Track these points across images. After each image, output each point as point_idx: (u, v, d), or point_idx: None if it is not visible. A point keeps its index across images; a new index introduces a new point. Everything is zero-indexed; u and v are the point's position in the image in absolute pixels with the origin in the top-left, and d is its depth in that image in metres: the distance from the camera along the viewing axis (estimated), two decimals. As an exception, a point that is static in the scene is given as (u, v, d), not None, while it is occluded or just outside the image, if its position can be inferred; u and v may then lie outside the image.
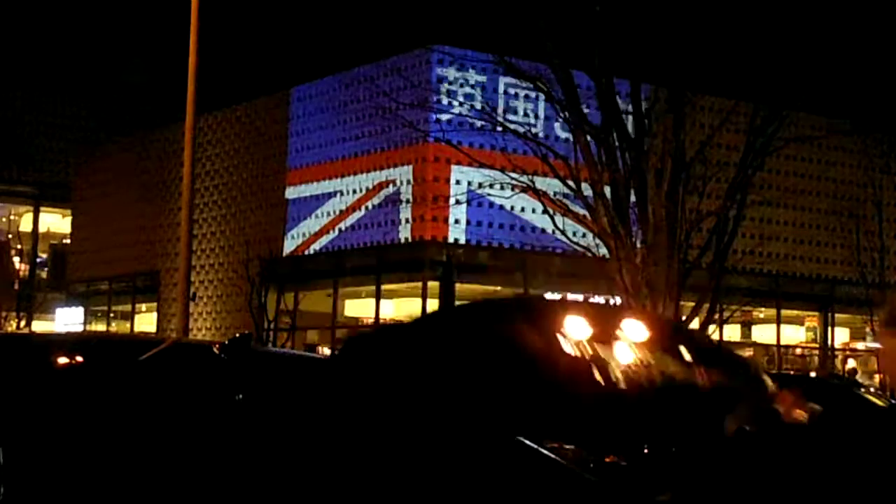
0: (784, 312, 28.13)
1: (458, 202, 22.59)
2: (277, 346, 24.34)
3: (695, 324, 17.72)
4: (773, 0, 17.69)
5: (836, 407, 11.57)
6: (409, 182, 23.92)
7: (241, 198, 29.42)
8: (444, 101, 22.16)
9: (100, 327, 35.80)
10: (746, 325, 28.71)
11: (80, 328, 35.26)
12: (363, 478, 3.62)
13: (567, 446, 3.82)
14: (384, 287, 25.28)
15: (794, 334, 29.35)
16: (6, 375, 3.28)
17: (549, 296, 22.18)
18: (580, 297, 24.99)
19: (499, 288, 25.60)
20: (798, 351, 29.51)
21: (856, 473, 3.38)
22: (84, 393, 3.29)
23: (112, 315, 35.68)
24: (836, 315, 28.70)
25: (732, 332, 27.85)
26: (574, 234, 18.09)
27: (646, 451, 3.74)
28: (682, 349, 4.14)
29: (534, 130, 18.05)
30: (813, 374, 22.28)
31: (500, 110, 21.04)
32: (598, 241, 17.50)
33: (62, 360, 3.59)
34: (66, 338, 5.09)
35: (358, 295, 26.76)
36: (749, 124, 17.81)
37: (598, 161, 17.06)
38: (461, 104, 21.78)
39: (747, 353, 29.14)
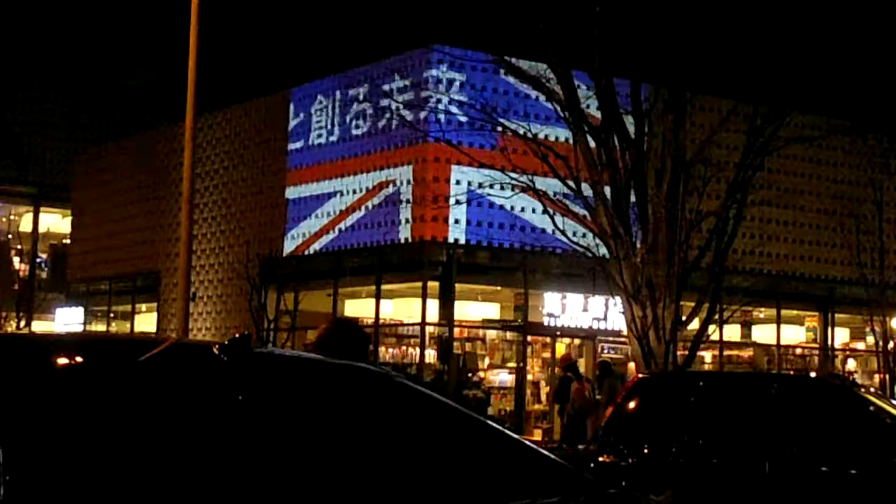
0: (784, 312, 28.11)
1: (458, 202, 22.57)
2: (278, 346, 24.31)
3: (695, 324, 17.74)
4: (773, 0, 17.71)
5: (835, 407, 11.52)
6: (409, 182, 23.91)
7: (241, 198, 29.42)
8: (444, 101, 22.16)
9: (100, 327, 35.80)
10: (746, 325, 28.66)
11: (80, 328, 35.26)
12: None
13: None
14: (384, 287, 25.26)
15: (794, 334, 29.32)
16: (5, 375, 3.29)
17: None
18: (581, 297, 25.08)
19: (499, 288, 25.61)
20: (798, 351, 29.48)
21: None
22: (83, 393, 3.30)
23: (112, 315, 35.66)
24: (836, 315, 28.68)
25: (732, 332, 27.83)
26: (574, 234, 18.07)
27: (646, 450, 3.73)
28: None
29: (534, 130, 18.00)
30: (813, 374, 22.24)
31: (499, 110, 21.01)
32: (598, 241, 17.48)
33: (62, 360, 3.58)
34: (66, 338, 5.08)
35: (358, 295, 26.74)
36: (749, 124, 17.81)
37: (598, 161, 17.06)
38: (461, 104, 21.79)
39: (747, 353, 29.19)
